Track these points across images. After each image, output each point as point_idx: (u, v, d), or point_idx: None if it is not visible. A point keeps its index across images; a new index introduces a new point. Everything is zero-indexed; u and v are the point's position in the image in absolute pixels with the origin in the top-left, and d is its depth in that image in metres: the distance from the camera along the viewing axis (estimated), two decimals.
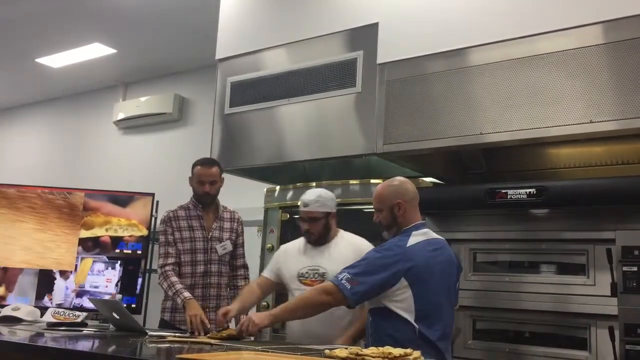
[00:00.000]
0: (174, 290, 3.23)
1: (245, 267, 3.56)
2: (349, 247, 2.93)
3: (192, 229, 3.43)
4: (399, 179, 2.71)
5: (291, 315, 2.66)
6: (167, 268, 3.33)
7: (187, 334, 2.88)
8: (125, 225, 4.98)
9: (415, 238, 2.53)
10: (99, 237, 4.96)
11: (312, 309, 2.54)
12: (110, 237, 4.96)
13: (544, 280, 3.04)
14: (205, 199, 3.44)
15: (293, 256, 3.02)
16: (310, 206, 2.92)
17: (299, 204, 3.00)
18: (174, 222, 3.44)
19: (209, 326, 3.01)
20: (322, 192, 3.00)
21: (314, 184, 3.87)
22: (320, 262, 2.92)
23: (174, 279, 3.28)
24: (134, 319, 2.93)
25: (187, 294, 3.19)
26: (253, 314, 2.64)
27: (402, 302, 2.44)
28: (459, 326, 3.24)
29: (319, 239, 2.96)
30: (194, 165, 3.47)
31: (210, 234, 3.44)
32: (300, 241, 3.06)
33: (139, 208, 5.02)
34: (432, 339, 2.43)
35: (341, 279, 2.42)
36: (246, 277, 3.53)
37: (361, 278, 2.42)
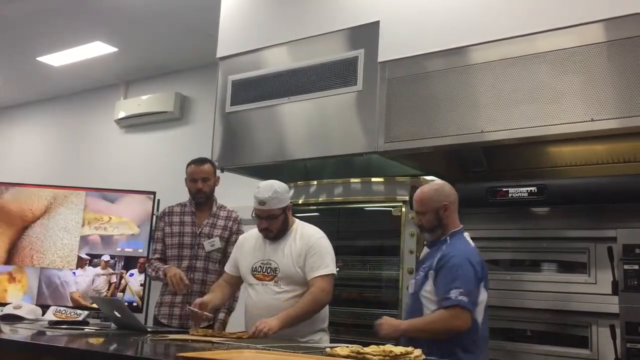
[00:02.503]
0: (156, 270, 3.37)
1: None
2: (300, 240, 2.88)
3: (182, 224, 3.47)
4: (440, 182, 2.73)
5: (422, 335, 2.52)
6: (151, 260, 3.49)
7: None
8: (117, 223, 4.97)
9: (469, 239, 2.63)
10: (87, 235, 4.96)
11: (444, 334, 2.45)
12: (100, 236, 4.96)
13: (545, 279, 3.05)
14: (199, 197, 3.46)
15: (248, 250, 2.97)
16: (267, 204, 2.81)
17: (254, 201, 2.87)
18: (167, 217, 3.52)
19: (186, 282, 3.21)
20: (276, 186, 2.86)
21: (314, 182, 3.87)
22: (273, 256, 2.88)
23: (156, 263, 3.42)
24: (135, 317, 2.93)
25: (165, 265, 3.35)
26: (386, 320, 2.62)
27: (481, 301, 2.50)
28: None
29: (278, 235, 2.89)
30: (187, 165, 3.52)
31: (200, 230, 3.45)
32: (257, 234, 2.99)
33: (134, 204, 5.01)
34: (486, 335, 2.53)
35: (457, 297, 2.40)
36: None
37: (469, 287, 2.44)
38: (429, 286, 2.54)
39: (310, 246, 2.84)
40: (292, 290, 2.82)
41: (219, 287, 3.05)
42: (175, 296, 3.38)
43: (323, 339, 2.85)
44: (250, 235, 3.04)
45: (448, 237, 2.63)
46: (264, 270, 2.89)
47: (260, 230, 2.92)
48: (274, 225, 2.86)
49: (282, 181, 4.00)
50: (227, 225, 3.49)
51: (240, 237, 3.14)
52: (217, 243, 3.44)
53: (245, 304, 2.97)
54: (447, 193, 2.67)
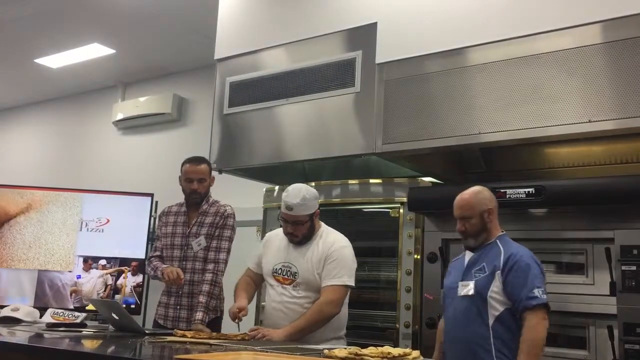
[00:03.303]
0: (155, 269, 3.31)
1: (215, 262, 3.27)
2: (322, 246, 2.85)
3: (175, 225, 3.40)
4: (479, 187, 2.71)
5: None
6: (151, 259, 3.41)
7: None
8: (114, 224, 5.00)
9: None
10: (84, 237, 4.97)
11: (544, 340, 2.44)
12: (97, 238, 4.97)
13: None
14: (193, 197, 3.35)
15: (272, 250, 2.96)
16: (294, 210, 2.78)
17: (282, 204, 2.85)
18: (164, 217, 3.48)
19: (182, 277, 3.14)
20: (305, 192, 2.81)
21: (313, 183, 3.86)
22: (294, 260, 2.87)
23: (156, 262, 3.36)
24: (133, 319, 2.92)
25: (164, 265, 3.30)
26: None
27: None
28: None
29: (303, 240, 2.87)
30: (183, 163, 3.40)
31: (189, 231, 3.35)
32: (282, 233, 2.96)
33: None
34: None
35: (542, 296, 2.43)
36: (214, 273, 3.24)
37: (544, 286, 2.48)
38: (496, 287, 2.50)
39: (331, 253, 2.81)
40: (310, 297, 2.80)
41: (246, 285, 3.01)
42: (170, 297, 3.35)
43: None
44: (276, 234, 3.02)
45: (497, 241, 2.62)
46: (284, 273, 2.88)
47: (285, 234, 2.90)
48: (299, 230, 2.84)
49: (280, 183, 4.04)
50: (214, 221, 3.34)
51: (267, 235, 3.12)
52: (203, 242, 3.32)
53: (266, 303, 2.97)
54: (490, 197, 2.68)
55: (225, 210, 3.38)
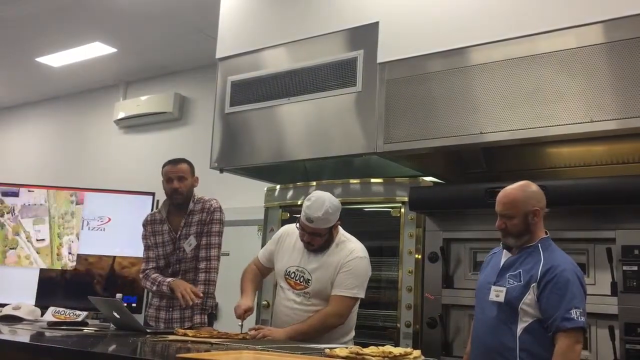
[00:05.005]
0: (157, 283, 3.22)
1: (207, 259, 3.23)
2: (339, 255, 2.81)
3: (162, 234, 3.32)
4: (529, 182, 2.48)
5: None
6: (147, 272, 3.31)
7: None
8: (116, 224, 4.99)
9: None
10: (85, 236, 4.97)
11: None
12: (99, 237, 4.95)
13: None
14: (175, 197, 3.27)
15: (287, 249, 2.92)
16: (315, 223, 2.72)
17: (302, 213, 2.79)
18: (149, 226, 3.38)
19: (201, 295, 3.06)
20: (329, 206, 2.72)
21: (314, 183, 3.87)
22: (308, 266, 2.82)
23: (154, 275, 3.27)
24: (135, 318, 2.92)
25: (169, 279, 3.20)
26: None
27: None
28: (459, 325, 3.24)
29: (319, 250, 2.83)
30: (163, 166, 3.33)
31: (179, 234, 3.29)
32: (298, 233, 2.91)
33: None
34: None
35: (579, 318, 2.24)
36: (207, 271, 3.21)
37: (584, 306, 2.29)
38: (529, 299, 2.33)
39: (346, 262, 2.77)
40: (320, 305, 2.78)
41: (253, 276, 2.99)
42: (162, 300, 3.30)
43: None
44: (292, 231, 2.95)
45: (539, 245, 2.42)
46: (297, 278, 2.84)
47: (302, 241, 2.84)
48: (316, 241, 2.80)
49: (281, 182, 4.04)
50: (201, 218, 3.28)
51: (283, 229, 3.06)
52: (193, 242, 3.27)
53: (275, 303, 2.96)
54: (538, 196, 2.44)
55: (211, 205, 3.31)
